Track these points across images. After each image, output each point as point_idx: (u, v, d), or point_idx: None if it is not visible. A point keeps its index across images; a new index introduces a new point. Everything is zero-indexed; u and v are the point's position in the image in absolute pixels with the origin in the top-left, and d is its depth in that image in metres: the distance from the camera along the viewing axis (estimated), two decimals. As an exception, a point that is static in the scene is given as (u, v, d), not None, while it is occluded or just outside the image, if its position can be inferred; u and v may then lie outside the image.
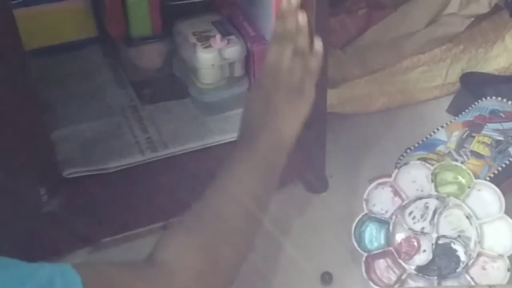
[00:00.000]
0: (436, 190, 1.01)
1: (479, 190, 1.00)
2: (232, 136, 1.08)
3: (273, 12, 1.01)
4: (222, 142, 1.08)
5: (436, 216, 0.99)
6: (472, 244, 0.97)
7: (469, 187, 1.00)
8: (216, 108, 1.12)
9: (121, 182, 1.02)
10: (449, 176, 1.02)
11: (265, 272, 1.03)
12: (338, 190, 1.17)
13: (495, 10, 1.37)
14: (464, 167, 1.02)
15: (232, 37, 1.09)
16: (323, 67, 1.03)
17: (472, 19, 1.34)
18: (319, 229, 1.09)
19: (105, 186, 1.01)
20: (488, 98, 1.21)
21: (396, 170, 1.04)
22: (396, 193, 1.03)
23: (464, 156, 1.09)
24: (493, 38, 1.37)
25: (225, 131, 1.09)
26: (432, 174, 1.02)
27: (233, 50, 1.08)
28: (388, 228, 1.01)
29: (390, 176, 1.04)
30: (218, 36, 1.07)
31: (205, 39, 1.09)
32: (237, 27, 1.13)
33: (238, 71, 1.11)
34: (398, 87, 1.32)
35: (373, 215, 1.03)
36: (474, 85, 1.32)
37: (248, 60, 1.11)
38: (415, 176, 1.04)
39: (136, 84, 1.18)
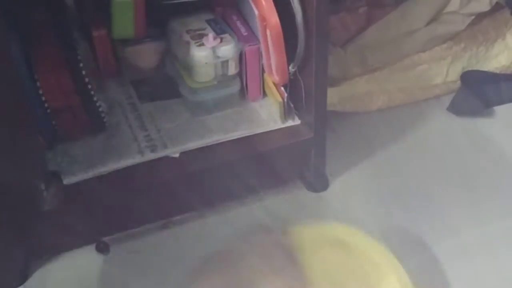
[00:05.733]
0: None
1: None
2: (232, 134, 1.08)
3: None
4: (221, 140, 1.07)
5: None
6: None
7: None
8: (206, 107, 1.12)
9: (121, 181, 1.02)
10: None
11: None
12: (338, 189, 1.16)
13: (496, 8, 1.37)
14: None
15: (226, 35, 1.09)
16: (324, 65, 1.03)
17: (473, 17, 1.34)
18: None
19: (105, 185, 1.01)
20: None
21: None
22: None
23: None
24: (494, 36, 1.37)
25: (224, 129, 1.09)
26: None
27: (226, 49, 1.07)
28: None
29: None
30: (211, 34, 1.07)
31: (198, 37, 1.08)
32: (230, 26, 1.12)
33: (233, 69, 1.10)
34: (399, 85, 1.32)
35: None
36: (475, 84, 1.32)
37: (240, 60, 1.11)
38: None
39: (134, 82, 1.18)
